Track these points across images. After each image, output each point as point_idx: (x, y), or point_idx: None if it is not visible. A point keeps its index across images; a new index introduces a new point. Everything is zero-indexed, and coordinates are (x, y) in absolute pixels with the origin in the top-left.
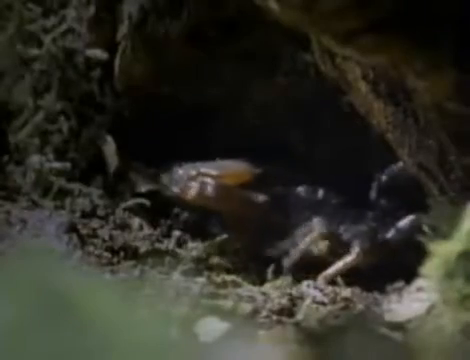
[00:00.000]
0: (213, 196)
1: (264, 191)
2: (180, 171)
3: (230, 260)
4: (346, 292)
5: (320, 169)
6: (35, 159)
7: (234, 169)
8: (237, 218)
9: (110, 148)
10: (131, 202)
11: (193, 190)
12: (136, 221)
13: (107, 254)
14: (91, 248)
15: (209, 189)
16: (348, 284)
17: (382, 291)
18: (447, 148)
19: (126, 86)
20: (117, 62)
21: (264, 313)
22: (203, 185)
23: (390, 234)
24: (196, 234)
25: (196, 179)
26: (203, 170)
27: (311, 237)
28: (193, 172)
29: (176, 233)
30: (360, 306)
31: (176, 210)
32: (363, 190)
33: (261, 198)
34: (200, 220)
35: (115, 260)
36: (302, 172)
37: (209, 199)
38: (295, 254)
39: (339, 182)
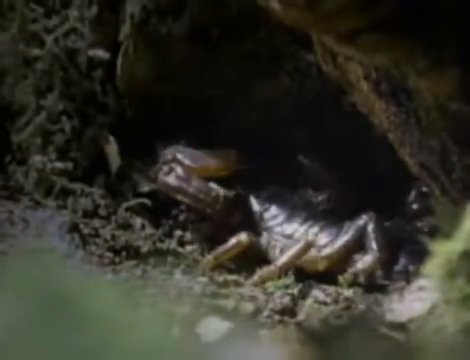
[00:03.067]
0: (173, 185)
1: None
2: (166, 153)
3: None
4: (348, 292)
5: (322, 169)
6: (37, 159)
7: (211, 162)
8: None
9: (112, 148)
10: (133, 202)
11: (160, 174)
12: (138, 221)
13: (109, 254)
14: (93, 248)
15: (171, 177)
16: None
17: (383, 291)
18: (449, 148)
19: (128, 86)
20: (119, 62)
21: (266, 313)
22: (168, 172)
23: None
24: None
25: (169, 164)
26: (179, 156)
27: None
28: (169, 156)
29: (178, 233)
30: (362, 306)
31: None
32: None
33: (221, 193)
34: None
35: (117, 260)
36: (304, 171)
37: (168, 187)
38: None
39: (340, 182)
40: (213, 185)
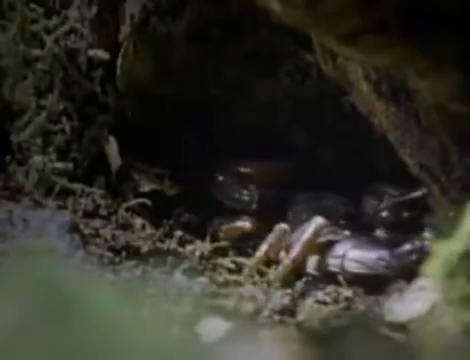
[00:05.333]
0: (218, 189)
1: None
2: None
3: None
4: (348, 292)
5: (323, 170)
6: (38, 159)
7: (259, 173)
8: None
9: (112, 148)
10: (133, 202)
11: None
12: (138, 221)
13: (109, 254)
14: (93, 248)
15: (218, 182)
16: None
17: (383, 291)
18: (449, 148)
19: (128, 86)
20: (119, 62)
21: (266, 313)
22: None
23: None
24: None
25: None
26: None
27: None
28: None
29: (178, 233)
30: (361, 306)
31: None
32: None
33: (256, 194)
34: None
35: (117, 260)
36: (304, 173)
37: (215, 190)
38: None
39: (340, 184)
40: (251, 187)
